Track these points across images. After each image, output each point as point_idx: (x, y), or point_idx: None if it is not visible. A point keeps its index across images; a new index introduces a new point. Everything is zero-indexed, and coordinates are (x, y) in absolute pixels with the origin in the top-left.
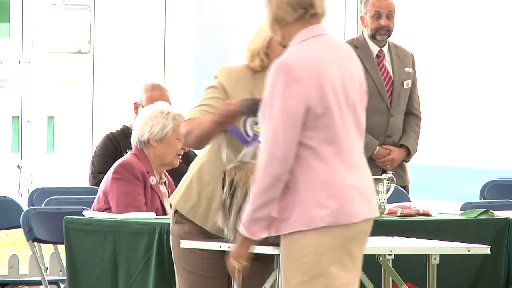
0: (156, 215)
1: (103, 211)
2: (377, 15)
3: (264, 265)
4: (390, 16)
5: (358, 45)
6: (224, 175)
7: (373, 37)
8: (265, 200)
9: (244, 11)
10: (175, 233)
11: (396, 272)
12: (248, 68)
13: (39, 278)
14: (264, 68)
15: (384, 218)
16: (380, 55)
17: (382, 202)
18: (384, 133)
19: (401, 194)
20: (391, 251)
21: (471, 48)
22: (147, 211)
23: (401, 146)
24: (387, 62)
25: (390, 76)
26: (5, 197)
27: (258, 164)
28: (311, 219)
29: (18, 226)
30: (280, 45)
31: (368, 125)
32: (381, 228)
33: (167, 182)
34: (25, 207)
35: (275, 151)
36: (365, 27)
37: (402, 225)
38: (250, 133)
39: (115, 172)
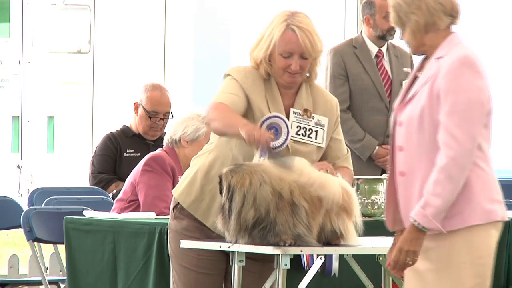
0: None
1: (129, 202)
2: (387, 15)
3: (260, 264)
4: None
5: (356, 45)
6: (221, 179)
7: (382, 37)
8: (452, 191)
9: (244, 11)
10: (172, 228)
11: None
12: (258, 71)
13: (39, 278)
14: (269, 76)
15: (384, 218)
16: (379, 55)
17: (382, 202)
18: (383, 133)
19: None
20: None
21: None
22: None
23: None
24: (385, 62)
25: (389, 76)
26: (5, 197)
27: (445, 153)
28: (488, 213)
29: (18, 226)
30: (281, 56)
31: (367, 125)
32: (381, 228)
33: None
34: (25, 207)
35: (465, 142)
36: (370, 28)
37: None
38: None
39: (146, 164)
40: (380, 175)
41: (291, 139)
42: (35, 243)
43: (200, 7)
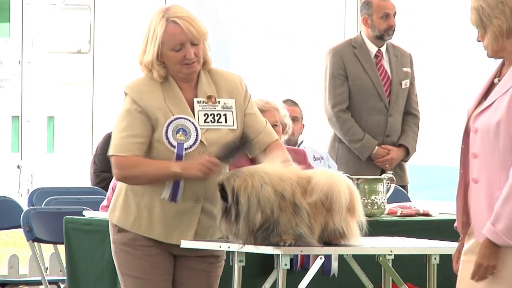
0: None
1: None
2: (386, 16)
3: (206, 261)
4: (394, 16)
5: (356, 45)
6: (222, 185)
7: (380, 37)
8: None
9: (245, 11)
10: (118, 241)
11: (396, 272)
12: (152, 78)
13: (39, 278)
14: (165, 78)
15: (384, 218)
16: (378, 55)
17: (382, 202)
18: (383, 133)
19: (401, 194)
20: (391, 251)
21: (470, 48)
22: None
23: (400, 145)
24: (385, 62)
25: (389, 76)
26: (5, 197)
27: None
28: None
29: (18, 226)
30: (173, 51)
31: (366, 125)
32: (381, 228)
33: None
34: (25, 207)
35: None
36: (368, 28)
37: (402, 225)
38: (174, 143)
39: None
40: (380, 175)
41: (202, 128)
42: (35, 243)
43: (200, 7)
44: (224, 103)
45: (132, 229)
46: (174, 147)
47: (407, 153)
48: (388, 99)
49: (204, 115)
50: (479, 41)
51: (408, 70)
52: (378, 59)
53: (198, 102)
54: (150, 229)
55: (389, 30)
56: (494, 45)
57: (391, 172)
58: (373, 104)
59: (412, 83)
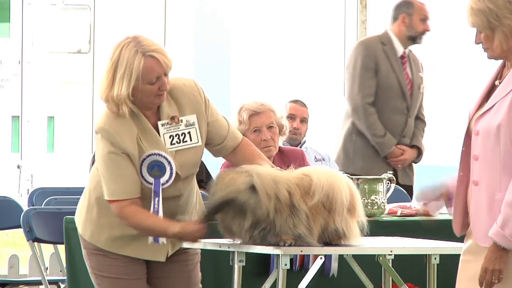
0: None
1: None
2: (424, 19)
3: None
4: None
5: (385, 42)
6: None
7: (413, 39)
8: None
9: (244, 11)
10: (90, 247)
11: (396, 272)
12: (119, 116)
13: (39, 278)
14: (132, 112)
15: (384, 218)
16: (404, 56)
17: (382, 202)
18: (400, 132)
19: (401, 194)
20: (391, 251)
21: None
22: None
23: (412, 146)
24: (407, 64)
25: (410, 78)
26: (5, 197)
27: None
28: None
29: (18, 226)
30: (149, 84)
31: (386, 123)
32: (381, 228)
33: None
34: (25, 207)
35: None
36: (403, 27)
37: (402, 225)
38: (150, 180)
39: None
40: (394, 173)
41: (170, 150)
42: (35, 243)
43: (200, 7)
44: (186, 121)
45: (105, 247)
46: (151, 184)
47: (419, 155)
48: (410, 101)
49: (170, 137)
50: (478, 43)
51: (422, 75)
52: (403, 60)
53: (162, 125)
54: (122, 248)
55: (423, 33)
56: (504, 46)
57: (391, 172)
58: (396, 104)
59: (423, 89)
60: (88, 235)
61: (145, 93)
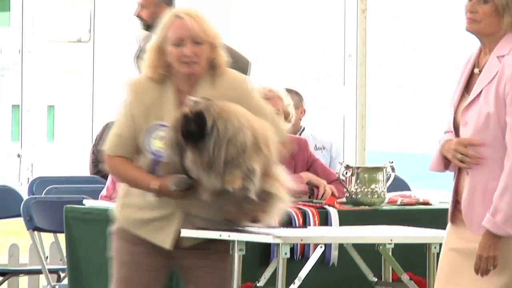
0: None
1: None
2: None
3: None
4: None
5: None
6: (200, 113)
7: None
8: None
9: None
10: (114, 229)
11: (396, 261)
12: (152, 79)
13: (39, 267)
14: (163, 79)
15: (384, 207)
16: None
17: (382, 191)
18: None
19: (401, 183)
20: (391, 240)
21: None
22: None
23: None
24: None
25: None
26: (5, 186)
27: None
28: None
29: (19, 215)
30: (174, 46)
31: None
32: (381, 217)
33: None
34: (25, 196)
35: None
36: None
37: (402, 214)
38: (152, 150)
39: None
40: None
41: None
42: (35, 232)
43: None
44: None
45: (123, 224)
46: (153, 154)
47: None
48: None
49: None
50: (472, 11)
51: None
52: None
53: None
54: (137, 228)
55: None
56: (497, 26)
57: (391, 161)
58: None
59: None
60: (117, 211)
61: (171, 56)
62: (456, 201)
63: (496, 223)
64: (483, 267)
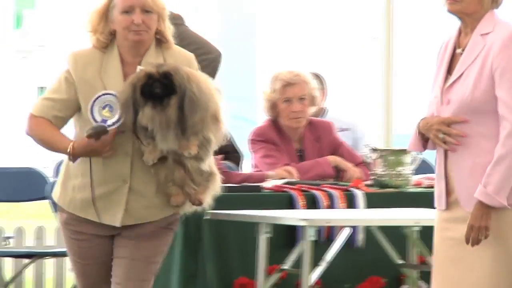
0: None
1: None
2: None
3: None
4: None
5: None
6: (168, 73)
7: None
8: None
9: (269, 2)
10: (60, 220)
11: (422, 244)
12: (95, 49)
13: (65, 250)
14: (106, 47)
15: (410, 190)
16: None
17: (408, 173)
18: None
19: (427, 166)
20: (417, 223)
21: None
22: None
23: None
24: None
25: None
26: (30, 168)
27: (508, 129)
28: None
29: (44, 198)
30: (123, 13)
31: None
32: (407, 199)
33: None
34: (50, 178)
35: None
36: None
37: (428, 196)
38: (98, 118)
39: None
40: None
41: None
42: None
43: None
44: None
45: (68, 209)
46: (98, 122)
47: None
48: None
49: None
50: None
51: None
52: None
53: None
54: (83, 210)
55: None
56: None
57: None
58: None
59: None
60: (57, 196)
61: (119, 24)
62: (446, 184)
63: (488, 194)
64: (474, 236)
